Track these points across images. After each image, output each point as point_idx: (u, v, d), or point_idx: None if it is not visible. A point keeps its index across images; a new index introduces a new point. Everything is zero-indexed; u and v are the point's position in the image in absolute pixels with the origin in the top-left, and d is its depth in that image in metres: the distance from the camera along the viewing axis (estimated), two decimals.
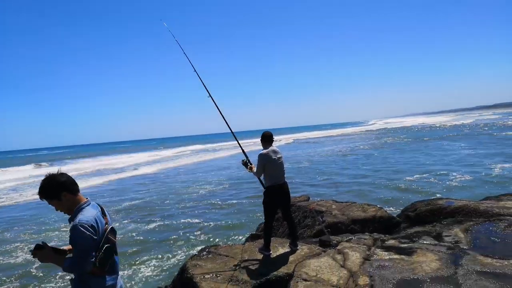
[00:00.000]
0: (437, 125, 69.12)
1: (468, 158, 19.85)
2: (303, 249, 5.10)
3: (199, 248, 7.58)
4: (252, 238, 7.06)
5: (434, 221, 5.92)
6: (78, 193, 2.48)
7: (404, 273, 4.06)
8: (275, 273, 4.39)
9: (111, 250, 2.44)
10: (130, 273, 7.82)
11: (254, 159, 5.32)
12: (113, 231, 2.54)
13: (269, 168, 5.00)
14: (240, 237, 9.47)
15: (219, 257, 5.00)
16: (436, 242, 4.94)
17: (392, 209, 10.20)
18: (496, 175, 14.45)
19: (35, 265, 8.32)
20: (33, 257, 2.39)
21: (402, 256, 4.51)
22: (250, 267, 4.67)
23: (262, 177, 5.18)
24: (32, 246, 2.48)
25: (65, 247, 2.53)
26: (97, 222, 2.37)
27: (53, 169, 2.62)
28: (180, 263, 7.57)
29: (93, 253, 2.33)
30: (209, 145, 64.83)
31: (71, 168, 36.85)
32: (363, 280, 4.00)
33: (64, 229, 11.47)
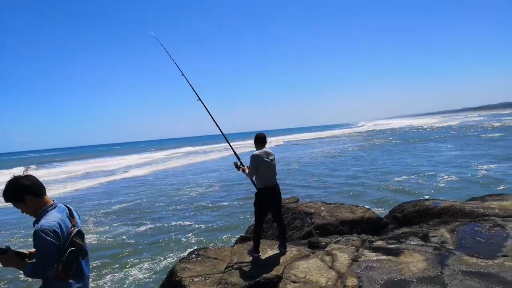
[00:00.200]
0: (425, 126, 70.00)
1: (455, 159, 20.16)
2: (292, 251, 5.13)
3: (190, 250, 7.59)
4: (242, 240, 7.07)
5: (421, 222, 6.01)
6: (43, 196, 2.45)
7: (392, 274, 4.12)
8: (264, 275, 4.42)
9: (76, 253, 2.40)
10: (122, 276, 7.78)
11: (246, 161, 5.36)
12: (79, 234, 2.50)
13: (262, 169, 5.03)
14: (231, 239, 9.48)
15: (208, 260, 5.00)
16: (423, 243, 5.02)
17: (381, 210, 10.31)
18: (482, 176, 14.71)
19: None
20: None
21: (390, 257, 4.58)
22: (239, 269, 4.69)
23: (254, 178, 5.21)
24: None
25: (31, 250, 2.49)
26: (60, 226, 2.34)
27: (19, 172, 2.59)
28: (172, 265, 7.57)
29: (57, 258, 2.31)
30: (200, 147, 64.62)
31: (60, 170, 36.43)
32: (351, 281, 4.05)
33: None
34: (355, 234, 5.89)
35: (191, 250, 5.99)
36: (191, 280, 4.41)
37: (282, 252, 5.12)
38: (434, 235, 5.20)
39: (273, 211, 5.29)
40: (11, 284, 7.74)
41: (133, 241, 10.19)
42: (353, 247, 5.07)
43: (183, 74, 6.35)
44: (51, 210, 2.43)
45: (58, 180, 28.41)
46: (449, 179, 14.62)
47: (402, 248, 4.86)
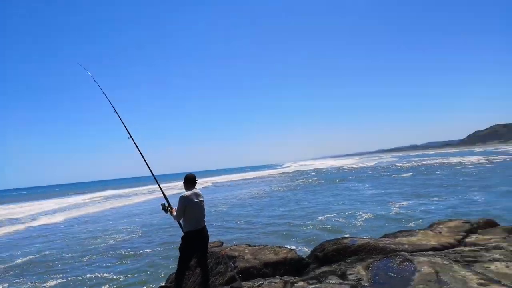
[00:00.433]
0: (345, 167, 74.53)
1: (372, 198, 21.59)
2: None
3: None
4: None
5: (340, 260, 6.19)
6: None
7: None
8: None
9: None
10: None
11: (173, 203, 5.23)
12: None
13: (190, 211, 4.90)
14: None
15: None
16: (341, 281, 5.14)
17: (306, 249, 10.48)
18: (395, 213, 15.86)
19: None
20: None
21: None
22: None
23: (181, 221, 5.05)
24: None
25: None
26: None
27: None
28: None
29: None
30: (123, 190, 61.24)
31: None
32: None
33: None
34: (277, 276, 5.85)
35: None
36: None
37: None
38: (351, 272, 5.36)
39: (200, 255, 5.13)
40: None
41: None
42: None
43: (115, 111, 6.23)
44: None
45: None
46: (366, 216, 15.50)
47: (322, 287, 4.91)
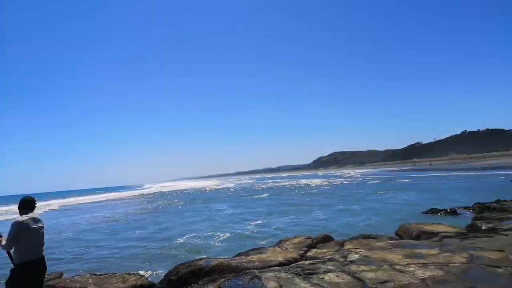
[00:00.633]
0: (207, 188, 75.65)
1: (231, 217, 22.34)
2: None
3: None
4: None
5: (193, 283, 6.11)
6: None
7: None
8: None
9: None
10: None
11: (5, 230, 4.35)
12: None
13: (25, 239, 4.16)
14: None
15: None
16: None
17: (162, 271, 10.03)
18: (251, 232, 16.65)
19: None
20: None
21: None
22: None
23: (12, 251, 4.22)
24: None
25: None
26: None
27: None
28: None
29: None
30: None
31: None
32: None
33: None
34: None
35: None
36: None
37: None
38: None
39: None
40: None
41: None
42: None
43: None
44: None
45: None
46: (224, 236, 15.84)
47: None
